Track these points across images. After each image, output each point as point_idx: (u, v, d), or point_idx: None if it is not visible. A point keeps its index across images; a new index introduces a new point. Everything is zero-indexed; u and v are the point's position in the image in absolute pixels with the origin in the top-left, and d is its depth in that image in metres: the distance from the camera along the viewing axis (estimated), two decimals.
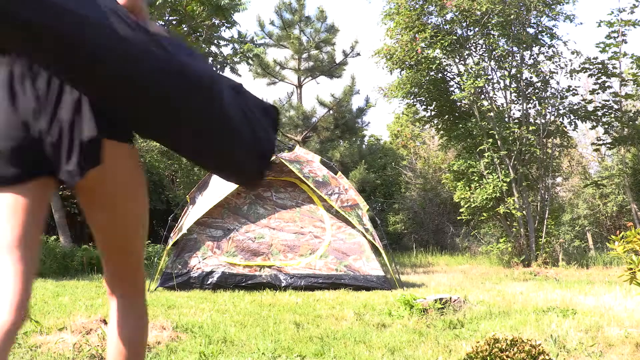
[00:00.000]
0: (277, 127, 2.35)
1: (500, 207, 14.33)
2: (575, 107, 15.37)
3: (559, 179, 22.28)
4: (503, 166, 14.59)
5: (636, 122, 15.22)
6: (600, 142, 17.06)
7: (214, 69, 2.28)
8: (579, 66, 15.28)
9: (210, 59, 13.79)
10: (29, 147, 1.98)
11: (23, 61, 2.02)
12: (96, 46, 1.83)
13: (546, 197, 15.13)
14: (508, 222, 15.14)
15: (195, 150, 2.19)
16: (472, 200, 14.69)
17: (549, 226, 14.68)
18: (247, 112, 2.16)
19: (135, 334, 2.35)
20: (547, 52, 15.34)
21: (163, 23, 12.77)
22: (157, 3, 11.13)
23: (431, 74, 15.75)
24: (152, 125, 2.11)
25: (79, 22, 1.80)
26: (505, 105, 15.36)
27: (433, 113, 16.68)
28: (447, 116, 16.42)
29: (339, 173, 10.07)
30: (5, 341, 1.86)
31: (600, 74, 15.25)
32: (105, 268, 2.37)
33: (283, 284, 8.73)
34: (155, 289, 8.66)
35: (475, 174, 14.95)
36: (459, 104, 16.22)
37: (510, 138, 14.48)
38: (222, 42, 13.97)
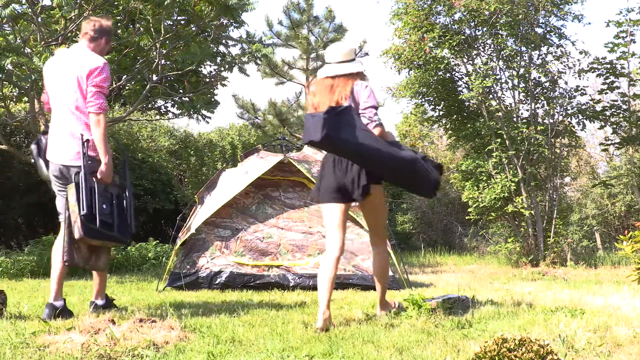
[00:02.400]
0: (442, 171, 5.71)
1: (509, 206, 14.31)
2: (583, 107, 15.34)
3: (567, 179, 22.24)
4: (511, 166, 14.58)
5: None
6: (609, 142, 17.02)
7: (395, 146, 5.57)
8: (587, 66, 15.25)
9: (219, 58, 13.78)
10: (342, 189, 5.54)
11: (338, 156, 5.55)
12: (370, 153, 5.27)
13: (554, 197, 15.12)
14: (516, 222, 15.13)
15: (408, 185, 6.02)
16: (480, 200, 14.69)
17: (557, 226, 14.67)
18: (427, 167, 5.50)
19: (383, 262, 5.95)
20: (555, 52, 15.33)
21: (171, 23, 12.79)
22: (166, 3, 11.14)
23: (439, 73, 15.75)
24: (392, 178, 5.90)
25: (365, 147, 5.21)
26: (513, 105, 15.35)
27: (441, 113, 16.67)
28: (455, 116, 16.42)
29: None
30: (335, 267, 5.56)
31: (608, 74, 15.21)
32: (370, 234, 6.03)
33: (291, 284, 8.74)
34: (163, 289, 8.68)
35: (483, 174, 14.94)
36: (467, 103, 16.22)
37: (519, 138, 14.46)
38: (230, 42, 13.97)
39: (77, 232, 5.52)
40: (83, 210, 5.48)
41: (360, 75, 5.75)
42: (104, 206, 5.67)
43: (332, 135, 5.10)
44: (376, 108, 5.52)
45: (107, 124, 5.82)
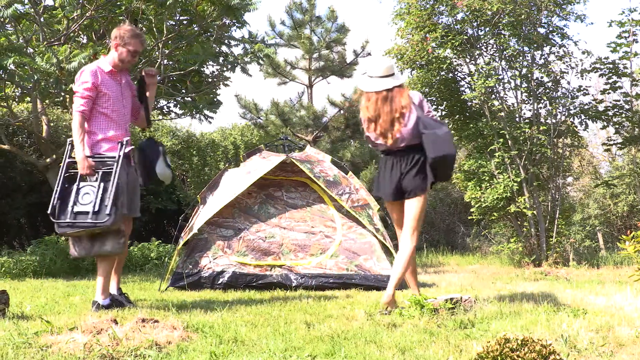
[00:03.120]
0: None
1: (511, 206, 14.30)
2: (586, 107, 15.31)
3: (569, 179, 22.25)
4: (514, 166, 14.56)
5: None
6: (611, 142, 17.01)
7: None
8: (590, 66, 15.22)
9: (221, 58, 13.79)
10: (397, 189, 6.40)
11: (397, 157, 6.41)
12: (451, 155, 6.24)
13: (557, 197, 15.10)
14: (519, 222, 15.11)
15: (445, 176, 6.52)
16: (482, 200, 14.67)
17: (560, 226, 14.64)
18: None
19: (403, 254, 6.32)
20: (558, 52, 15.29)
21: (174, 23, 12.79)
22: (168, 3, 11.14)
23: (442, 73, 15.73)
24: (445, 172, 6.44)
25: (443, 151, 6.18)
26: (516, 105, 15.33)
27: (444, 113, 16.64)
28: (457, 116, 16.41)
29: (350, 173, 10.06)
30: (410, 261, 6.42)
31: (611, 74, 15.19)
32: (405, 225, 6.40)
33: (294, 284, 8.74)
34: (166, 289, 8.69)
35: (486, 174, 14.92)
36: (470, 103, 16.20)
37: (521, 138, 14.44)
38: (232, 42, 13.97)
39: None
40: (49, 209, 6.14)
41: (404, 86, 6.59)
42: (85, 197, 6.17)
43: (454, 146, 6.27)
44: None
45: (83, 122, 6.44)
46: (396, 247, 9.39)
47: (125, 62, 6.69)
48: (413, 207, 6.37)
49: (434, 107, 16.69)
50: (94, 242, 6.22)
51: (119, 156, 6.39)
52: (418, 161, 6.35)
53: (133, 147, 6.74)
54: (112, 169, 6.31)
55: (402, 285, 8.77)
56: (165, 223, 20.09)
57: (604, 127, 16.48)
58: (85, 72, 6.54)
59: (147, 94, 6.99)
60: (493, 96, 15.08)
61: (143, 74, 6.93)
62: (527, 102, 15.38)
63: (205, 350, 4.26)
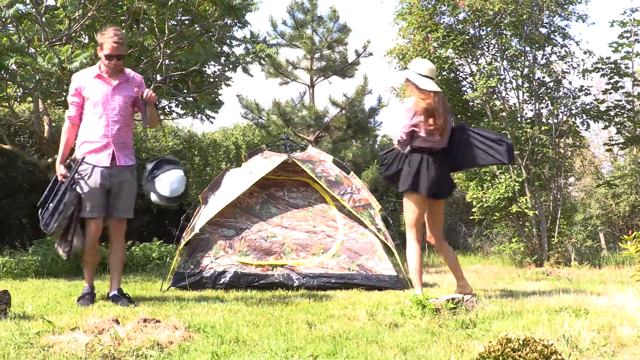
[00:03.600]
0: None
1: (513, 206, 14.30)
2: (587, 107, 15.29)
3: (571, 179, 22.22)
4: (515, 166, 14.55)
5: None
6: (613, 142, 16.99)
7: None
8: (592, 66, 15.21)
9: (223, 58, 13.78)
10: (435, 186, 6.78)
11: (435, 157, 6.86)
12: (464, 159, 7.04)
13: (558, 197, 15.09)
14: (520, 222, 15.11)
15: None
16: (484, 200, 14.67)
17: (562, 226, 14.64)
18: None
19: (449, 250, 7.45)
20: (559, 52, 15.27)
21: (175, 23, 12.78)
22: (170, 3, 11.13)
23: (443, 73, 15.73)
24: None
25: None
26: (517, 105, 15.31)
27: None
28: (459, 116, 16.38)
29: (352, 173, 10.07)
30: (420, 259, 7.00)
31: (612, 74, 15.17)
32: (431, 229, 7.24)
33: (295, 284, 8.73)
34: (167, 289, 8.68)
35: (487, 174, 14.91)
36: (472, 103, 16.21)
37: (523, 138, 14.43)
38: (234, 42, 13.95)
39: None
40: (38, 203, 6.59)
41: None
42: (53, 202, 6.46)
43: None
44: None
45: (69, 128, 6.78)
46: (398, 247, 9.44)
47: (105, 65, 6.70)
48: (443, 207, 7.31)
49: None
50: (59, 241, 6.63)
51: (75, 169, 6.59)
52: (448, 164, 7.04)
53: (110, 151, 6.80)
54: (80, 175, 6.61)
55: (402, 285, 8.79)
56: (167, 223, 20.08)
57: (605, 127, 16.48)
58: (73, 79, 6.79)
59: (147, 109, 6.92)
60: (495, 96, 15.08)
61: (144, 96, 6.87)
62: (528, 102, 15.37)
63: (207, 350, 4.26)
